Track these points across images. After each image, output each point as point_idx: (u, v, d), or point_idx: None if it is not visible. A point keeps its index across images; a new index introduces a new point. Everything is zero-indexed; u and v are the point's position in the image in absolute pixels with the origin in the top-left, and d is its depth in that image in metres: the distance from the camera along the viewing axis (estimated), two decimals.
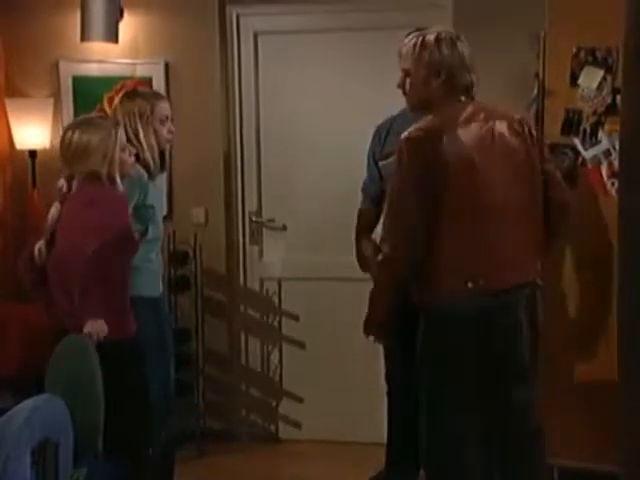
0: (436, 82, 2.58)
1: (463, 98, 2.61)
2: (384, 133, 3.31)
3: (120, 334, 2.75)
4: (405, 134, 2.54)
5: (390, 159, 2.89)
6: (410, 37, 2.67)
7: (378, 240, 2.90)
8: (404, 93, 2.70)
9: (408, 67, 2.63)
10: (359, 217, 3.37)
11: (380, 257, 2.59)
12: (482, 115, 2.59)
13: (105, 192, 2.76)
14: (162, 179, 3.53)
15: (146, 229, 3.02)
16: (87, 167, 2.75)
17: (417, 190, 2.49)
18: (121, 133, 2.83)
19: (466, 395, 2.59)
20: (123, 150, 2.82)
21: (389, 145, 3.25)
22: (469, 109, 2.60)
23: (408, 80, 2.64)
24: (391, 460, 3.49)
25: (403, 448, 3.48)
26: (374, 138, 3.34)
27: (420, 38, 2.60)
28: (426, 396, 2.64)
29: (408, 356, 3.39)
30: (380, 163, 3.24)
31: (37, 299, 2.88)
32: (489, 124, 2.58)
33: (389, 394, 3.46)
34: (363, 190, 3.37)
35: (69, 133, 2.79)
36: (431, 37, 2.58)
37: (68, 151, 2.77)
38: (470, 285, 2.53)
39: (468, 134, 2.53)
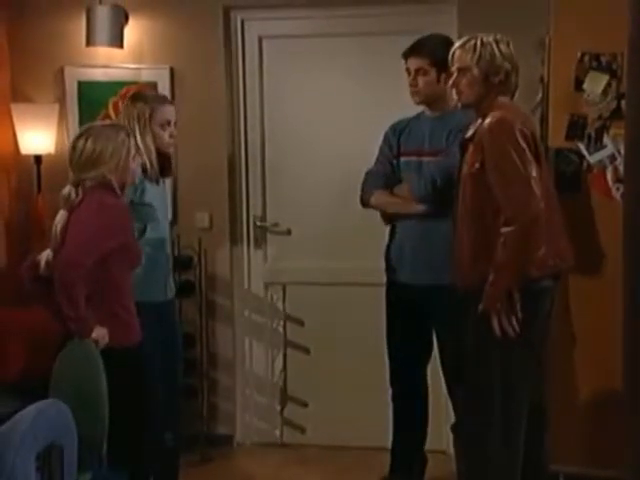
0: (494, 80, 2.77)
1: (508, 98, 2.81)
2: (399, 129, 3.35)
3: (123, 342, 2.76)
4: (494, 119, 2.70)
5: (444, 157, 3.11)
6: (464, 40, 2.83)
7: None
8: (457, 92, 2.85)
9: (466, 65, 2.78)
10: (366, 178, 3.38)
11: (516, 226, 2.65)
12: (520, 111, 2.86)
13: (112, 203, 2.76)
14: (168, 183, 3.53)
15: (144, 228, 3.02)
16: (98, 174, 2.75)
17: (529, 158, 2.68)
18: (132, 142, 2.84)
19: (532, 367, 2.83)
20: (133, 159, 2.83)
21: (410, 144, 3.29)
22: (517, 107, 2.85)
23: (465, 78, 2.79)
24: (396, 465, 3.49)
25: (408, 453, 3.47)
26: (390, 131, 3.37)
27: (478, 39, 2.78)
28: (502, 367, 2.76)
29: (412, 358, 3.41)
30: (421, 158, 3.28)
31: (40, 305, 2.88)
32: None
33: (394, 398, 3.46)
34: (367, 174, 3.38)
35: (81, 140, 2.78)
36: (489, 38, 2.77)
37: (80, 158, 2.77)
38: (551, 262, 2.74)
39: (527, 122, 2.78)
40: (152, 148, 3.06)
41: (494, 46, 2.76)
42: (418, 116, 3.35)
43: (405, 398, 3.45)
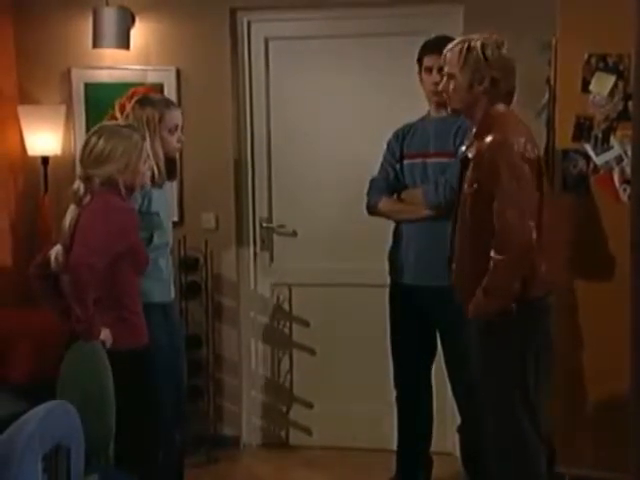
0: (479, 87, 2.67)
1: (503, 105, 2.71)
2: (402, 133, 3.33)
3: (130, 344, 2.77)
4: (495, 141, 2.62)
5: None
6: (455, 42, 2.73)
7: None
8: (447, 96, 2.78)
9: (453, 71, 2.70)
10: (371, 186, 3.37)
11: (506, 255, 2.61)
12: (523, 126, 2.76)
13: (119, 206, 2.77)
14: (172, 186, 3.54)
15: (151, 236, 3.02)
16: (105, 173, 2.76)
17: (528, 183, 2.62)
18: (146, 145, 2.84)
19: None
20: (144, 162, 2.84)
21: (415, 146, 3.27)
22: (518, 119, 2.75)
23: (452, 84, 2.71)
24: (401, 467, 3.48)
25: (413, 455, 3.47)
26: (393, 138, 3.36)
27: (466, 44, 2.67)
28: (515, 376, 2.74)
29: (415, 360, 3.40)
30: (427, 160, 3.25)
31: (48, 305, 2.89)
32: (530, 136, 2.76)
33: (398, 400, 3.46)
34: (371, 182, 3.37)
35: (94, 137, 2.79)
36: (477, 43, 2.66)
37: (89, 155, 2.77)
38: (550, 280, 2.71)
39: (530, 144, 2.68)
40: (160, 153, 3.06)
41: (479, 51, 2.64)
42: (423, 118, 3.34)
43: (409, 400, 3.44)
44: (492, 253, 2.63)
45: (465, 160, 2.79)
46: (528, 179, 2.63)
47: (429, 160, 3.24)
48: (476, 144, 2.71)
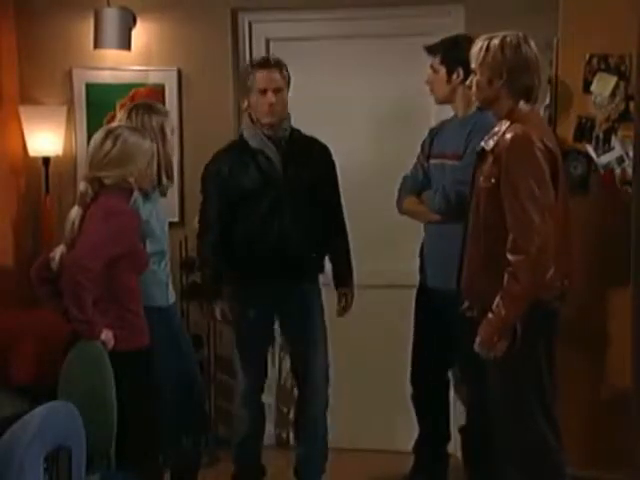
0: (498, 83, 2.72)
1: (523, 101, 2.73)
2: (434, 132, 3.33)
3: (132, 345, 2.77)
4: (516, 136, 2.64)
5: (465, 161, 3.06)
6: (478, 40, 2.80)
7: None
8: (473, 93, 2.83)
9: (474, 68, 2.78)
10: (401, 183, 3.38)
11: (524, 255, 2.58)
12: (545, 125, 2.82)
13: (122, 208, 2.78)
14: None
15: (143, 244, 3.03)
16: (119, 175, 2.77)
17: (547, 182, 2.64)
18: (155, 149, 2.89)
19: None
20: (151, 167, 2.87)
21: (438, 146, 3.27)
22: (540, 118, 2.82)
23: (474, 80, 2.79)
24: (418, 465, 3.46)
25: (430, 453, 3.45)
26: (427, 135, 3.36)
27: (487, 41, 2.74)
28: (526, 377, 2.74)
29: (432, 360, 3.38)
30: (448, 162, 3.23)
31: (50, 307, 2.89)
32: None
33: (414, 397, 3.44)
34: (402, 180, 3.38)
35: (109, 141, 2.78)
36: (496, 41, 2.73)
37: (104, 157, 2.77)
38: (558, 284, 2.70)
39: (550, 143, 2.70)
40: (172, 159, 3.16)
41: (498, 49, 2.70)
42: (451, 118, 3.33)
43: (424, 398, 3.42)
44: (509, 255, 2.60)
45: (481, 153, 2.78)
46: (547, 177, 2.63)
47: (447, 162, 3.22)
48: (496, 139, 2.72)
